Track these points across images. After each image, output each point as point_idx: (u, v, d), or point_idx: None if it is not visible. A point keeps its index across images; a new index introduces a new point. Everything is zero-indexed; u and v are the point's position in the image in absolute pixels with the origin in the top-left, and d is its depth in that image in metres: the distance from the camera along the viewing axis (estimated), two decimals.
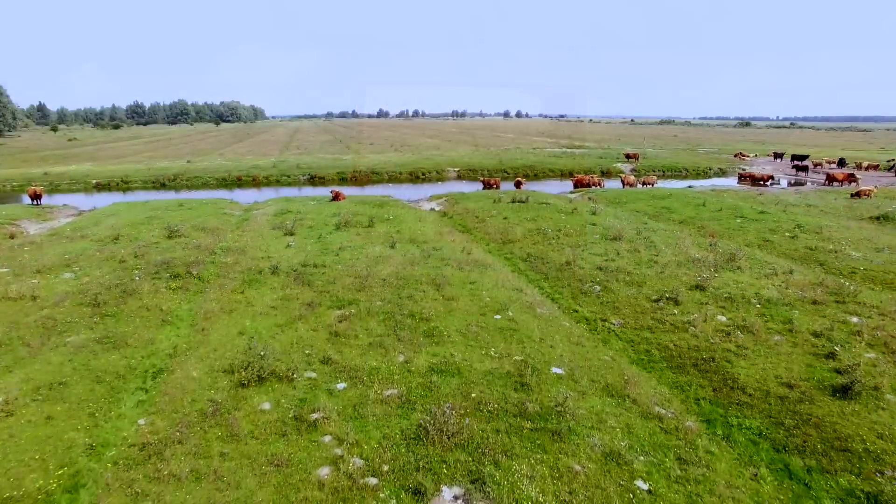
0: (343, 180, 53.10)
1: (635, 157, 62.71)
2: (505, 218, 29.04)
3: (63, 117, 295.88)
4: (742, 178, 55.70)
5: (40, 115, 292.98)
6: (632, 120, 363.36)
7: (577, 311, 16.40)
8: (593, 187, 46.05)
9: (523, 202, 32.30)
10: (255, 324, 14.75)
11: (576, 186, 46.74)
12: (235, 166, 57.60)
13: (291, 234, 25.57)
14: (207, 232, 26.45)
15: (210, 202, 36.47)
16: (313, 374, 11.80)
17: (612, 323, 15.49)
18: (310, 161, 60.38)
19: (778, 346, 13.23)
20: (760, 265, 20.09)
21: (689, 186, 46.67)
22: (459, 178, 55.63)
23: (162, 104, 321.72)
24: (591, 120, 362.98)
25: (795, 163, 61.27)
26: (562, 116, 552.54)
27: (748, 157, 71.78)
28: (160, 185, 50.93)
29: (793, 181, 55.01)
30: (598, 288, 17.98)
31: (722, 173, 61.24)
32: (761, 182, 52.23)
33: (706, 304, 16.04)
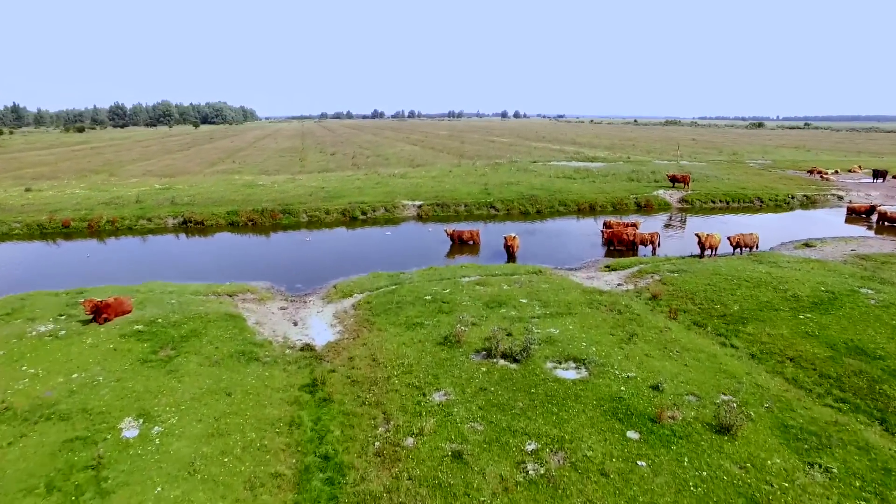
0: (233, 225, 33.41)
1: (684, 181, 42.78)
2: (462, 462, 9.39)
3: (41, 119, 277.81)
4: (853, 213, 36.18)
5: (14, 116, 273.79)
6: (635, 120, 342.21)
7: None
8: (644, 248, 26.48)
9: (518, 362, 12.49)
10: None
11: (610, 245, 27.20)
12: (86, 199, 37.97)
13: None
14: None
15: None
16: None
17: None
18: (197, 192, 40.11)
19: None
20: None
21: (806, 245, 27.21)
22: (420, 218, 35.81)
23: (144, 105, 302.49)
24: (591, 120, 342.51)
25: None
26: (560, 116, 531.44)
27: (828, 174, 52.11)
28: None
29: None
30: None
31: (810, 203, 41.67)
32: None
33: None
